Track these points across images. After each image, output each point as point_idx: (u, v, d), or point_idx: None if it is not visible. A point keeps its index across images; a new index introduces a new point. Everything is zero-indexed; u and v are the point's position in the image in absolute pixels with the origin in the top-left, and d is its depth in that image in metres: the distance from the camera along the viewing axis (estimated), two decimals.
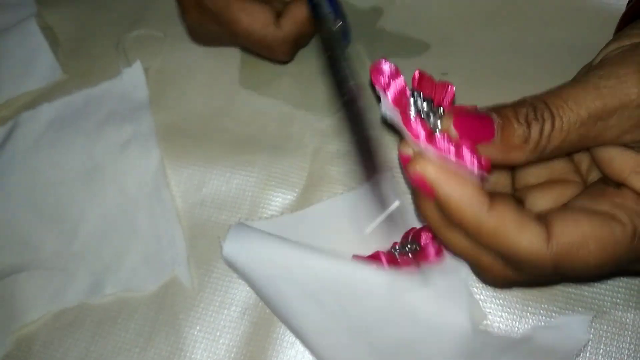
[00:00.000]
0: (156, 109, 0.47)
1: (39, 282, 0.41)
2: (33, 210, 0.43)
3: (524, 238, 0.27)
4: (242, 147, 0.44)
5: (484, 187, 0.28)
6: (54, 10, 0.53)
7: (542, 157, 0.28)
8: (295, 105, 0.46)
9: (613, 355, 0.35)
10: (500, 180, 0.35)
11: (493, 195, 0.28)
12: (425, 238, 0.36)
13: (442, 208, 0.28)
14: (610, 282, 0.36)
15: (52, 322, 0.40)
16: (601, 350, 0.35)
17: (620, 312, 0.36)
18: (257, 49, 0.44)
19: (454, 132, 0.28)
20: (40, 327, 0.40)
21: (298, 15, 0.42)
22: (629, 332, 0.35)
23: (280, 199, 0.42)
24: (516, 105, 0.28)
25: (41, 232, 0.42)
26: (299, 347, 0.37)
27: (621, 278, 0.36)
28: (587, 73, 0.28)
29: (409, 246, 0.37)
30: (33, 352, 0.39)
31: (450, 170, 0.28)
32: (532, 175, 0.34)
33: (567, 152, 0.29)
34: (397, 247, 0.37)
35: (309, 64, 0.47)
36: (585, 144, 0.28)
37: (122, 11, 0.52)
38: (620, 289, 0.36)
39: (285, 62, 0.47)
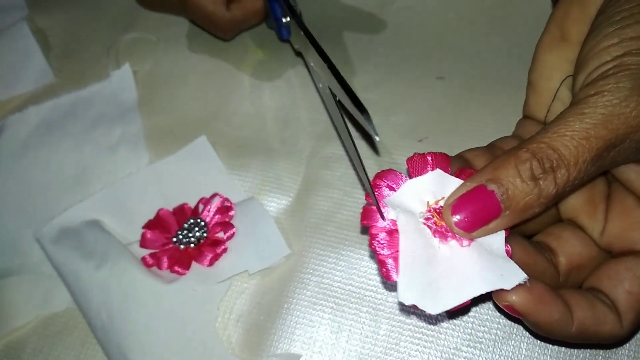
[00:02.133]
0: (146, 112, 0.46)
1: (28, 286, 0.40)
2: (21, 214, 0.43)
3: (605, 332, 0.29)
4: (237, 151, 0.43)
5: (564, 302, 0.28)
6: (46, 13, 0.53)
7: (563, 199, 0.28)
8: (290, 109, 0.45)
9: None
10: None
11: (568, 300, 0.28)
12: None
13: (530, 325, 0.29)
14: None
15: (42, 328, 0.39)
16: (600, 357, 0.35)
17: None
18: (202, 22, 0.47)
19: (458, 230, 0.27)
20: (30, 334, 0.39)
21: (249, 5, 0.45)
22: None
23: (275, 203, 0.41)
24: (516, 161, 0.26)
25: (29, 235, 0.41)
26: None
27: None
28: (586, 101, 0.27)
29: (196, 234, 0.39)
30: (22, 359, 0.38)
31: (539, 300, 0.27)
32: (574, 197, 0.34)
33: (586, 184, 0.29)
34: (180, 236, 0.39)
35: (303, 69, 0.47)
36: (603, 170, 0.28)
37: (115, 15, 0.52)
38: None
39: (225, 40, 0.49)
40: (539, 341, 0.35)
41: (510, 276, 0.27)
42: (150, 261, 0.38)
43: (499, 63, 0.45)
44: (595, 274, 0.31)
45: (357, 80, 0.46)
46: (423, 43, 0.47)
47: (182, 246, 0.39)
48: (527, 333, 0.35)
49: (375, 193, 0.28)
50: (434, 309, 0.26)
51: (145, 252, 0.39)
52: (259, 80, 0.47)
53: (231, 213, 0.39)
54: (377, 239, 0.27)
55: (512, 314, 0.28)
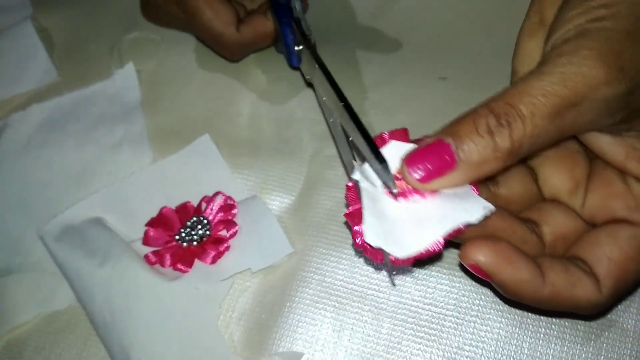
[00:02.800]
0: (149, 111, 0.46)
1: (29, 284, 0.40)
2: (23, 212, 0.43)
3: (580, 297, 0.28)
4: (240, 151, 0.43)
5: (532, 260, 0.28)
6: (50, 12, 0.53)
7: (522, 157, 0.27)
8: (293, 109, 0.45)
9: None
10: (528, 192, 0.34)
11: (541, 263, 0.28)
12: None
13: (499, 288, 0.29)
14: None
15: (43, 326, 0.39)
16: (602, 357, 0.35)
17: (621, 318, 0.35)
18: (210, 42, 0.46)
19: (414, 182, 0.27)
20: (31, 332, 0.39)
21: (259, 27, 0.44)
22: (630, 339, 0.35)
23: (277, 202, 0.41)
24: (474, 116, 0.27)
25: (32, 234, 0.41)
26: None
27: None
28: (547, 62, 0.27)
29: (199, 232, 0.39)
30: (24, 356, 0.38)
31: (503, 257, 0.27)
32: (554, 177, 0.33)
33: (550, 145, 0.28)
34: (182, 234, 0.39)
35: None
36: (564, 134, 0.27)
37: (119, 14, 0.52)
38: None
39: (233, 61, 0.48)
40: (541, 340, 0.35)
41: (474, 209, 0.27)
42: (153, 259, 0.38)
43: (501, 63, 0.45)
44: (576, 243, 0.31)
45: (359, 81, 0.46)
46: (425, 44, 0.48)
47: (184, 244, 0.39)
48: (529, 333, 0.35)
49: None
50: (400, 253, 0.27)
51: (148, 249, 0.39)
52: (262, 80, 0.47)
53: (234, 211, 0.39)
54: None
55: (479, 275, 0.28)
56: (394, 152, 0.29)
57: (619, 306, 0.35)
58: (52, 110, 0.47)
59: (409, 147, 0.28)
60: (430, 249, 0.27)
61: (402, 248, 0.27)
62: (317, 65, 0.37)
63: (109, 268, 0.38)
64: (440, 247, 0.27)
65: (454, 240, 0.29)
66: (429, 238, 0.27)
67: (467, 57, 0.46)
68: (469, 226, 0.27)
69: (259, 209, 0.40)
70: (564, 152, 0.33)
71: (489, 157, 0.26)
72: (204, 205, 0.40)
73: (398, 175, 0.28)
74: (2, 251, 0.42)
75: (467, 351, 0.35)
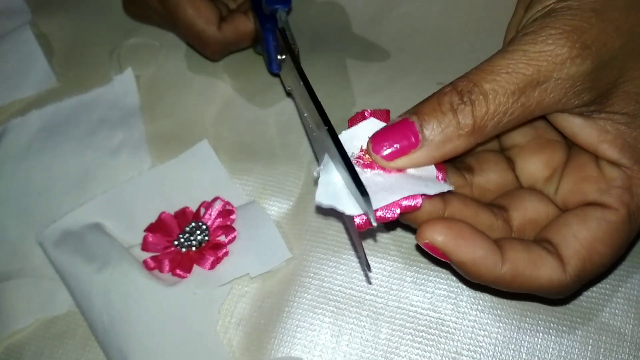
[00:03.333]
0: (148, 116, 0.46)
1: (28, 289, 0.40)
2: (23, 217, 0.43)
3: (543, 277, 0.28)
4: (238, 156, 0.44)
5: (491, 239, 0.28)
6: (50, 18, 0.53)
7: (490, 136, 0.27)
8: (291, 114, 0.45)
9: None
10: (505, 181, 0.34)
11: (501, 244, 0.28)
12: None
13: (458, 269, 0.29)
14: (608, 292, 0.36)
15: (43, 331, 0.39)
16: (601, 356, 0.35)
17: (619, 323, 0.35)
18: (191, 40, 0.46)
19: (379, 159, 0.28)
20: (30, 337, 0.39)
21: (241, 27, 0.44)
22: (628, 343, 0.35)
23: (276, 207, 0.41)
24: (438, 95, 0.27)
25: (31, 239, 0.41)
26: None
27: (620, 289, 0.36)
28: (514, 41, 0.27)
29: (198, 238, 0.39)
30: None
31: (459, 235, 0.28)
32: (517, 133, 0.33)
33: (517, 125, 0.28)
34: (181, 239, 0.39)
35: None
36: (531, 114, 0.27)
37: (118, 20, 0.52)
38: (619, 299, 0.36)
39: (213, 60, 0.48)
40: (539, 345, 0.35)
41: (434, 186, 0.27)
42: (152, 264, 0.38)
43: None
44: (546, 227, 0.30)
45: (357, 86, 0.46)
46: (422, 49, 0.48)
47: (183, 249, 0.39)
48: (527, 337, 0.35)
49: None
50: (350, 210, 0.27)
51: (146, 255, 0.39)
52: (260, 85, 0.47)
53: (233, 217, 0.40)
54: None
55: (435, 255, 0.28)
56: (370, 129, 0.29)
57: (616, 311, 0.36)
58: (52, 115, 0.47)
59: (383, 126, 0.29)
60: (384, 216, 0.27)
61: (353, 207, 0.27)
62: (300, 82, 0.35)
63: (108, 273, 0.38)
64: (395, 214, 0.27)
65: (411, 225, 0.29)
66: (383, 201, 0.27)
67: (464, 62, 0.46)
68: (425, 200, 0.28)
69: (258, 215, 0.40)
70: (542, 141, 0.33)
71: (452, 136, 0.26)
72: (202, 210, 0.40)
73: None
74: (1, 256, 0.42)
75: (465, 356, 0.35)
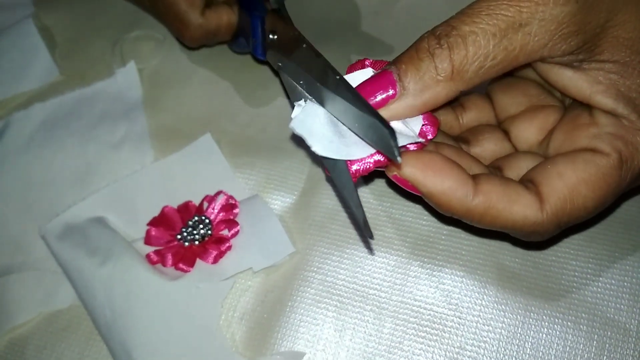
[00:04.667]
0: (151, 110, 0.46)
1: (31, 283, 0.40)
2: (25, 211, 0.43)
3: (517, 212, 0.27)
4: (241, 150, 0.43)
5: (465, 172, 0.27)
6: (52, 11, 0.53)
7: (474, 83, 0.26)
8: None
9: None
10: (483, 116, 0.34)
11: (476, 177, 0.27)
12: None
13: (429, 202, 0.28)
14: (614, 287, 0.36)
15: (45, 325, 0.39)
16: (605, 357, 0.34)
17: (624, 319, 0.35)
18: (170, 22, 0.44)
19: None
20: (33, 331, 0.39)
21: (224, 17, 0.43)
22: (633, 339, 0.35)
23: (279, 201, 0.41)
24: (417, 42, 0.26)
25: (33, 233, 0.41)
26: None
27: (625, 284, 0.36)
28: None
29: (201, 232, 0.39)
30: (26, 356, 0.38)
31: (427, 165, 0.27)
32: (511, 104, 0.33)
33: (501, 72, 0.27)
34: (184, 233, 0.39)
35: None
36: (515, 59, 0.26)
37: (121, 12, 0.52)
38: (624, 295, 0.36)
39: (189, 48, 0.48)
40: (543, 340, 0.35)
41: (407, 138, 0.27)
42: (155, 258, 0.38)
43: None
44: (531, 169, 0.30)
45: None
46: None
47: (186, 243, 0.39)
48: (531, 333, 0.35)
49: None
50: (318, 149, 0.27)
51: (149, 249, 0.39)
52: (264, 78, 0.47)
53: (236, 211, 0.39)
54: None
55: (405, 187, 0.28)
56: (364, 78, 0.29)
57: (622, 306, 0.35)
58: (54, 109, 0.47)
59: None
60: (359, 169, 0.27)
61: (323, 148, 0.27)
62: (304, 44, 0.34)
63: (111, 267, 0.38)
64: (369, 166, 0.27)
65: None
66: (357, 155, 0.27)
67: None
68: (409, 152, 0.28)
69: (261, 209, 0.40)
70: (536, 107, 0.32)
71: (430, 82, 0.26)
72: (205, 204, 0.40)
73: None
74: (4, 250, 0.42)
75: (469, 351, 0.35)
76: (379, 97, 0.26)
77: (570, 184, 0.27)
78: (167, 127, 0.45)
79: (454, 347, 0.36)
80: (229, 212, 0.39)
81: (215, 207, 0.39)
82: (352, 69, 0.30)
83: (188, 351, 0.36)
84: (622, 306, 0.35)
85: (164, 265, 0.38)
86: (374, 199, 0.40)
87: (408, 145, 0.28)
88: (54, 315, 0.39)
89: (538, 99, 0.32)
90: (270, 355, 0.36)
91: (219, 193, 0.40)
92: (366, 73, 0.29)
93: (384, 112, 0.27)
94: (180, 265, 0.38)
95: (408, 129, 0.28)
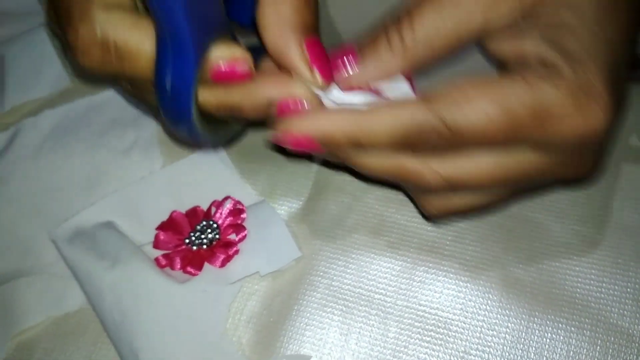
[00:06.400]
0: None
1: (40, 287, 0.41)
2: (35, 216, 0.43)
3: (396, 111, 0.28)
4: (248, 156, 0.44)
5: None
6: None
7: (426, 59, 0.29)
8: None
9: None
10: None
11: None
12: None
13: (327, 148, 0.30)
14: (617, 293, 0.36)
15: (53, 328, 0.40)
16: (609, 357, 0.35)
17: (627, 324, 0.36)
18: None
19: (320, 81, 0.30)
20: (41, 334, 0.40)
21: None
22: (636, 344, 0.35)
23: (285, 206, 0.42)
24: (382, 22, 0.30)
25: (43, 237, 0.42)
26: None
27: (628, 290, 0.36)
28: None
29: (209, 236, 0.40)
30: (35, 358, 0.39)
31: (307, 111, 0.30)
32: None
33: (450, 50, 0.29)
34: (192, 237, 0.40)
35: None
36: (459, 39, 0.29)
37: None
38: (627, 300, 0.36)
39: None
40: (547, 345, 0.35)
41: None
42: (163, 262, 0.39)
43: None
44: None
45: None
46: None
47: (194, 247, 0.39)
48: (535, 338, 0.36)
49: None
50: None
51: (158, 253, 0.40)
52: None
53: (243, 215, 0.40)
54: None
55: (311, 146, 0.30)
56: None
57: (625, 312, 0.36)
58: (64, 116, 0.48)
59: None
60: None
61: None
62: None
63: (120, 271, 0.38)
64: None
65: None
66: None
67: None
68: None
69: (268, 214, 0.40)
70: None
71: (386, 53, 0.29)
72: (213, 209, 0.40)
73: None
74: (14, 254, 0.42)
75: (473, 356, 0.36)
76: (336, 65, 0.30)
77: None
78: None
79: (459, 352, 0.36)
80: (237, 217, 0.40)
81: (223, 212, 0.40)
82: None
83: (195, 353, 0.36)
84: (625, 312, 0.36)
85: (173, 268, 0.39)
86: (380, 205, 0.40)
87: None
88: (62, 319, 0.40)
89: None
90: (277, 359, 0.37)
91: (226, 198, 0.41)
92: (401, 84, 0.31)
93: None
94: (189, 268, 0.38)
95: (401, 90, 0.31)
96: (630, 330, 0.35)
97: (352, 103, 0.30)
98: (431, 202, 0.33)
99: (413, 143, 0.28)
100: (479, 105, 0.26)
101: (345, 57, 0.30)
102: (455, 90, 0.27)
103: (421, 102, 0.27)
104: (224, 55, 0.30)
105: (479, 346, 0.36)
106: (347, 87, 0.31)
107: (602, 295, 0.36)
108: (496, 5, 0.28)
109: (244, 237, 0.39)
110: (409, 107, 0.28)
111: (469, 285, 0.37)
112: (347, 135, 0.29)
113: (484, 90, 0.27)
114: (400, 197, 0.40)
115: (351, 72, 0.30)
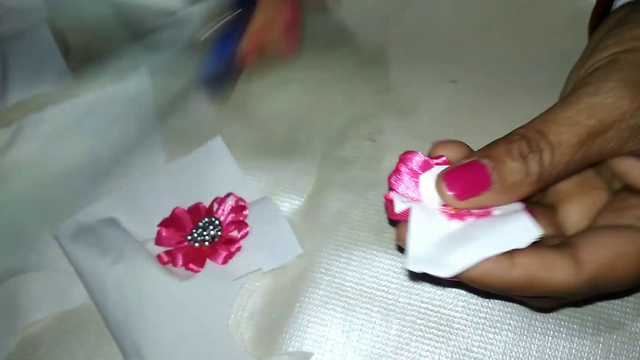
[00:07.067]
0: (163, 113, 0.47)
1: (43, 282, 0.41)
2: (39, 212, 0.43)
3: (555, 277, 0.27)
4: (251, 153, 0.44)
5: None
6: (66, 15, 0.54)
7: (550, 183, 0.28)
8: (304, 111, 0.46)
9: None
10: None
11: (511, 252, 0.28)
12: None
13: (471, 284, 0.28)
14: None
15: (57, 324, 0.40)
16: (611, 355, 0.35)
17: (630, 322, 0.35)
18: None
19: (449, 196, 0.28)
20: (45, 329, 0.40)
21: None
22: (639, 342, 0.35)
23: (288, 203, 0.42)
24: (507, 142, 0.28)
25: (47, 233, 0.42)
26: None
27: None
28: (575, 92, 0.28)
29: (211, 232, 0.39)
30: (38, 354, 0.39)
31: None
32: (574, 214, 0.33)
33: (575, 172, 0.29)
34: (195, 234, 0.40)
35: (317, 70, 0.47)
36: (590, 161, 0.28)
37: (133, 17, 0.53)
38: (630, 298, 0.36)
39: None
40: (549, 342, 0.35)
41: (523, 234, 0.27)
42: (166, 258, 0.39)
43: (511, 68, 0.45)
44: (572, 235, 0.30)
45: (371, 83, 0.46)
46: (436, 48, 0.48)
47: (196, 244, 0.39)
48: (538, 336, 0.36)
49: (397, 179, 0.29)
50: (443, 273, 0.26)
51: (160, 249, 0.40)
52: (273, 82, 0.47)
53: (245, 212, 0.40)
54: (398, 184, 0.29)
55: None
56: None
57: (627, 310, 0.36)
58: (67, 112, 0.48)
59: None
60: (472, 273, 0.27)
61: (445, 268, 0.26)
62: None
63: (122, 267, 0.38)
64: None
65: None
66: (476, 258, 0.26)
67: (477, 61, 0.46)
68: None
69: (270, 211, 0.40)
70: (587, 188, 0.33)
71: (521, 181, 0.27)
72: (215, 206, 0.40)
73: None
74: (17, 250, 0.42)
75: (475, 353, 0.36)
76: (472, 186, 0.27)
77: (610, 254, 0.27)
78: (179, 131, 0.46)
79: (461, 349, 0.36)
80: (239, 213, 0.40)
81: (225, 209, 0.40)
82: (406, 160, 0.30)
83: (197, 350, 0.37)
84: (627, 309, 0.36)
85: (175, 265, 0.39)
86: (380, 202, 0.40)
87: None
88: (66, 315, 0.40)
89: (587, 179, 0.33)
90: (279, 355, 0.37)
91: (228, 195, 0.41)
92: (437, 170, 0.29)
93: (474, 201, 0.28)
94: (191, 265, 0.38)
95: (521, 221, 0.28)
96: (633, 328, 0.35)
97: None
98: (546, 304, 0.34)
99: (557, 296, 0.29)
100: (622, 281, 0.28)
101: (479, 176, 0.27)
102: (606, 259, 0.27)
103: (571, 264, 0.27)
104: None
105: (480, 344, 0.36)
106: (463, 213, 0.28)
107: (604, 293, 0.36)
108: (635, 140, 0.27)
109: (246, 233, 0.39)
110: (561, 270, 0.27)
111: None
112: (496, 290, 0.28)
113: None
114: None
115: (481, 197, 0.28)
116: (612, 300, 0.36)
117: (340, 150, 0.43)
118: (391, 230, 0.39)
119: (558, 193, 0.33)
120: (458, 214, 0.28)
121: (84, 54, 0.51)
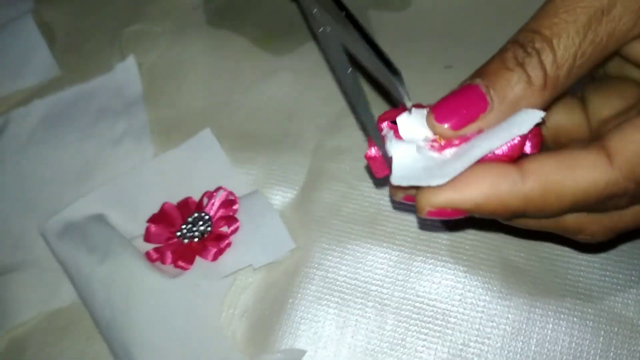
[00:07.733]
0: (151, 105, 0.46)
1: (31, 282, 0.40)
2: (25, 209, 0.43)
3: (581, 176, 0.23)
4: (241, 144, 0.43)
5: (501, 162, 0.24)
6: (51, 6, 0.52)
7: (566, 87, 0.24)
8: (295, 101, 0.44)
9: (624, 359, 0.34)
10: (573, 118, 0.30)
11: (519, 161, 0.24)
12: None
13: (482, 215, 0.25)
14: (621, 282, 0.35)
15: (46, 323, 0.39)
16: (612, 353, 0.34)
17: (631, 314, 0.34)
18: None
19: (444, 130, 0.25)
20: (34, 329, 0.39)
21: None
22: None
23: (279, 196, 0.40)
24: (500, 53, 0.24)
25: (33, 230, 0.41)
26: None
27: (632, 278, 0.35)
28: None
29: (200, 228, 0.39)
30: (28, 353, 0.38)
31: (454, 181, 0.24)
32: (604, 106, 0.29)
33: (593, 67, 0.24)
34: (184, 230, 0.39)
35: (309, 59, 0.46)
36: (602, 51, 0.24)
37: (120, 6, 0.52)
38: (631, 290, 0.35)
39: None
40: (549, 336, 0.34)
41: (527, 120, 0.23)
42: (154, 256, 0.38)
43: None
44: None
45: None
46: (432, 32, 0.47)
47: (185, 240, 0.38)
48: (537, 329, 0.35)
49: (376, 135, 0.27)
50: (435, 181, 0.24)
51: (149, 246, 0.39)
52: (263, 72, 0.46)
53: (235, 207, 0.39)
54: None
55: (451, 218, 0.25)
56: (420, 116, 0.26)
57: (629, 301, 0.35)
58: (54, 105, 0.47)
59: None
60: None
61: (437, 177, 0.24)
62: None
63: (110, 265, 0.37)
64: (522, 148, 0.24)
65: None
66: (471, 160, 0.24)
67: (473, 46, 0.45)
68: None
69: (261, 205, 0.39)
70: (617, 81, 0.29)
71: (524, 92, 0.24)
72: (205, 200, 0.39)
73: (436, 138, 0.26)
74: (3, 248, 0.42)
75: (472, 347, 0.35)
76: (468, 112, 0.24)
77: None
78: (167, 122, 0.45)
79: (458, 344, 0.35)
80: (229, 208, 0.39)
81: (215, 203, 0.39)
82: (392, 114, 0.27)
83: (188, 349, 0.36)
84: (629, 301, 0.35)
85: (163, 263, 0.38)
86: (375, 194, 0.39)
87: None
88: (54, 314, 0.39)
89: (635, 100, 0.29)
90: (271, 353, 0.36)
91: (218, 189, 0.40)
92: (421, 111, 0.26)
93: (472, 126, 0.24)
94: (180, 262, 0.38)
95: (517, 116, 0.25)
96: (634, 320, 0.34)
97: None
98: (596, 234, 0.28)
99: (593, 207, 0.25)
100: None
101: (474, 99, 0.24)
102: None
103: (600, 156, 0.23)
104: None
105: (478, 338, 0.35)
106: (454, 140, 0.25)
107: (606, 284, 0.35)
108: None
109: (237, 229, 0.38)
110: (586, 165, 0.23)
111: (467, 275, 0.36)
112: (511, 211, 0.24)
113: None
114: None
115: (482, 121, 0.24)
116: (614, 292, 0.35)
117: (332, 140, 0.42)
118: (386, 223, 0.38)
119: (604, 121, 0.29)
120: (449, 143, 0.25)
121: (70, 45, 0.50)
